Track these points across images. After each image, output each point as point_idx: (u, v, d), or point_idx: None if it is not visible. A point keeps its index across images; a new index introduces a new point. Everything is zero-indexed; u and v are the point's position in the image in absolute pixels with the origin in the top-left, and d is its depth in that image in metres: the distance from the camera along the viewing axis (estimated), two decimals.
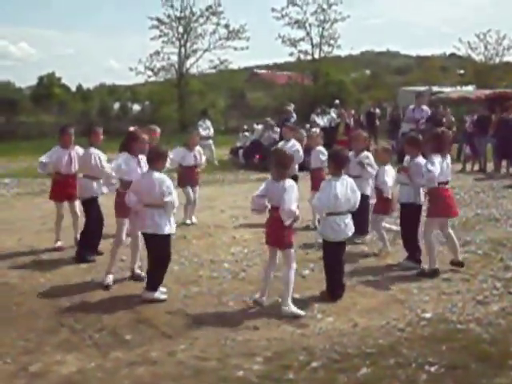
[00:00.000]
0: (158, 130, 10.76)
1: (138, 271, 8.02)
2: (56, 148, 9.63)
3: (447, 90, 33.37)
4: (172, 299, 7.16)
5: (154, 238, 7.09)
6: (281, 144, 11.67)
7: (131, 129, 9.06)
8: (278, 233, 6.72)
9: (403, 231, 8.53)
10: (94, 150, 9.04)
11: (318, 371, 5.16)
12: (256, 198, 6.87)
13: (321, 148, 10.83)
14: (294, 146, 11.21)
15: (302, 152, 11.38)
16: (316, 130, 12.46)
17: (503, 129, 18.16)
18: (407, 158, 8.48)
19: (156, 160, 7.22)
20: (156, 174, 7.13)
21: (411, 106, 18.40)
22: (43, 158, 9.62)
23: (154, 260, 7.20)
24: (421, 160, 8.20)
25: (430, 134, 8.33)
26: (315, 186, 9.83)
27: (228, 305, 6.97)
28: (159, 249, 7.16)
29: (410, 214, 8.34)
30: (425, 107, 18.04)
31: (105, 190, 9.11)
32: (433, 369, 5.12)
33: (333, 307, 6.80)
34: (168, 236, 7.20)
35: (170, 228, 7.16)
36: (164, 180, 7.12)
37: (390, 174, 9.02)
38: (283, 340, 5.90)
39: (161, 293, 7.21)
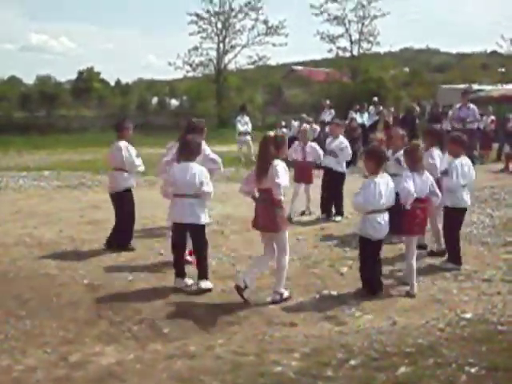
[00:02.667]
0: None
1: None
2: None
3: (488, 88, 32.87)
4: (210, 294, 7.20)
5: (192, 228, 7.27)
6: (329, 140, 11.67)
7: (192, 119, 9.17)
8: (271, 216, 6.83)
9: (445, 233, 8.41)
10: (124, 143, 9.11)
11: (356, 369, 5.12)
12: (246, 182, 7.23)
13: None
14: (342, 142, 11.30)
15: (350, 149, 11.48)
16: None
17: None
18: (450, 158, 8.34)
19: (195, 151, 7.41)
20: (195, 165, 7.29)
21: (457, 105, 18.12)
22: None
23: (195, 249, 7.41)
24: (458, 161, 8.06)
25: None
26: None
27: (265, 300, 6.96)
28: (198, 239, 7.37)
29: (451, 216, 8.20)
30: (472, 106, 17.74)
31: (135, 183, 9.25)
32: (473, 370, 5.04)
33: (371, 305, 6.76)
34: (204, 226, 7.38)
35: (206, 218, 7.35)
36: (202, 170, 7.30)
37: None
38: (321, 337, 5.88)
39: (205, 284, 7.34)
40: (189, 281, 7.39)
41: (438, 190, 7.63)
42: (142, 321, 6.37)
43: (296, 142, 12.24)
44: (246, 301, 6.88)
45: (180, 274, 7.41)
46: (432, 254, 8.79)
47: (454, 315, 6.39)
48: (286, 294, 7.01)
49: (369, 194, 6.93)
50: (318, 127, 20.10)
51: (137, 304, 6.86)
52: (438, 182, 7.96)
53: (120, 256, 8.81)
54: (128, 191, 9.17)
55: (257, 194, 7.11)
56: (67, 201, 13.64)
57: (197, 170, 7.26)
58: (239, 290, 6.89)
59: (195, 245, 7.44)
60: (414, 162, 7.49)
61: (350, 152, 11.48)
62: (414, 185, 7.25)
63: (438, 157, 8.49)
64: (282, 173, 6.78)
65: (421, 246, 8.68)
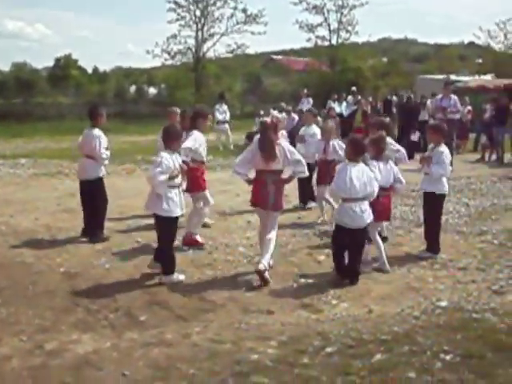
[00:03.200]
0: (179, 111, 10.70)
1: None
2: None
3: (465, 78, 33.08)
4: (187, 282, 7.19)
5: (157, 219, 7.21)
6: (302, 129, 11.65)
7: (198, 107, 9.24)
8: (280, 196, 7.42)
9: (425, 221, 8.47)
10: (97, 131, 9.02)
11: (332, 356, 5.15)
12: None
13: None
14: (313, 130, 11.30)
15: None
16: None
17: None
18: (431, 145, 8.40)
19: (176, 140, 7.35)
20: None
21: (439, 96, 18.20)
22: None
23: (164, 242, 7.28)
24: (443, 149, 8.14)
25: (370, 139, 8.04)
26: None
27: (242, 288, 6.98)
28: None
29: (431, 204, 8.28)
30: (453, 96, 17.82)
31: (104, 171, 9.23)
32: (448, 357, 5.09)
33: (348, 293, 6.80)
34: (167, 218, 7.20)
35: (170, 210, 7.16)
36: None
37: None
38: (298, 325, 5.91)
39: (178, 274, 7.26)
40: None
41: (402, 177, 8.03)
42: (119, 309, 6.36)
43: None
44: (266, 281, 7.07)
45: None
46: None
47: (430, 303, 6.44)
48: (268, 265, 7.28)
49: (340, 180, 7.04)
50: (296, 116, 20.07)
51: (113, 292, 6.84)
52: None
53: (97, 244, 8.76)
54: (99, 179, 9.08)
55: (251, 177, 7.55)
56: (44, 189, 13.55)
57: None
58: (261, 273, 7.06)
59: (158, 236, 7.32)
60: (379, 152, 7.84)
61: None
62: (379, 174, 7.58)
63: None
64: (294, 150, 7.58)
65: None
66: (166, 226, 7.19)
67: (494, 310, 6.21)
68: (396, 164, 8.49)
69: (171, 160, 7.08)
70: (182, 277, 7.24)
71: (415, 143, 19.67)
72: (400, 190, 8.31)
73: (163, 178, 6.93)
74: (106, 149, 9.03)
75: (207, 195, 9.00)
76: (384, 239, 8.65)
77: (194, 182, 8.76)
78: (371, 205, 7.32)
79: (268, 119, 7.53)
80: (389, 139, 8.76)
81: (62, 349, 5.38)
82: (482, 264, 7.85)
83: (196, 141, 8.69)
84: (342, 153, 9.50)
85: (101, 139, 8.96)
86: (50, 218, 10.51)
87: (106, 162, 9.13)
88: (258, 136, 7.52)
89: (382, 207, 7.71)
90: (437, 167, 8.03)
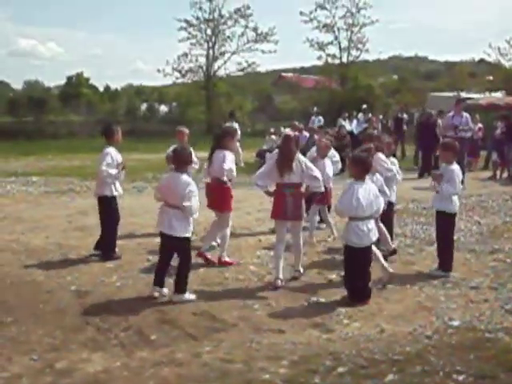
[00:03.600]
0: (187, 131, 10.72)
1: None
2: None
3: (476, 96, 33.06)
4: (197, 301, 7.16)
5: (172, 240, 7.16)
6: (313, 150, 11.62)
7: (227, 125, 9.36)
8: (299, 207, 7.77)
9: (437, 239, 8.43)
10: (111, 149, 9.03)
11: (344, 376, 5.12)
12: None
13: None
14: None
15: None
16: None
17: None
18: (443, 164, 8.37)
19: (186, 162, 7.33)
20: (183, 176, 7.16)
21: (450, 113, 18.17)
22: None
23: (179, 261, 7.27)
24: (454, 167, 8.11)
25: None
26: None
27: (253, 307, 6.94)
28: (179, 251, 7.28)
29: (443, 222, 8.24)
30: (465, 114, 17.78)
31: (121, 190, 9.19)
32: (461, 378, 5.04)
33: (359, 312, 6.75)
34: (187, 238, 7.24)
35: (186, 232, 7.19)
36: (189, 183, 7.12)
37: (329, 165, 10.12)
38: (309, 344, 5.87)
39: (189, 294, 7.24)
40: (165, 290, 7.33)
41: (386, 190, 8.35)
42: (129, 328, 6.33)
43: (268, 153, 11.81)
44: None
45: (158, 283, 7.32)
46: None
47: (442, 323, 6.40)
48: (302, 270, 8.19)
49: (345, 199, 7.02)
50: (307, 134, 20.08)
51: (124, 311, 6.82)
52: None
53: (108, 262, 8.76)
54: (109, 198, 9.06)
55: (270, 189, 8.04)
56: (55, 207, 13.59)
57: (184, 181, 7.10)
58: (297, 278, 8.04)
59: (180, 257, 7.30)
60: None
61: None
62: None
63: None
64: (313, 166, 7.87)
65: (392, 252, 8.93)
66: (183, 246, 7.21)
67: (507, 329, 6.17)
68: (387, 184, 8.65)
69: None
70: (193, 296, 7.21)
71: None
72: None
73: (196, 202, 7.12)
74: (117, 166, 8.98)
75: (230, 216, 9.07)
76: (394, 252, 8.85)
77: (227, 201, 8.89)
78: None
79: (290, 131, 7.96)
80: (382, 156, 8.86)
81: (72, 368, 5.36)
82: (495, 283, 7.79)
83: (232, 161, 8.87)
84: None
85: (106, 157, 8.90)
86: (60, 236, 10.53)
87: (109, 180, 8.96)
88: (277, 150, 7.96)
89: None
90: (447, 186, 8.00)
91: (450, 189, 8.00)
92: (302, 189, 7.86)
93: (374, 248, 7.60)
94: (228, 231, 8.94)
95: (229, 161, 8.71)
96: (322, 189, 8.04)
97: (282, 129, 22.28)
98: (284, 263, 7.93)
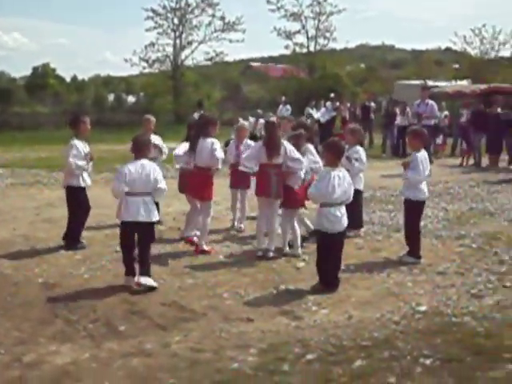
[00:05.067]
0: (153, 119, 10.67)
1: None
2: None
3: (442, 84, 33.31)
4: (166, 291, 7.14)
5: (144, 226, 7.20)
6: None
7: (206, 114, 9.46)
8: (281, 186, 8.40)
9: (405, 226, 8.51)
10: (76, 143, 8.96)
11: (312, 363, 5.15)
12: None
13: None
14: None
15: None
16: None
17: (492, 123, 18.28)
18: (411, 152, 8.45)
19: (146, 148, 7.46)
20: (147, 162, 7.31)
21: (417, 101, 18.30)
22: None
23: (144, 246, 7.31)
24: (420, 154, 8.17)
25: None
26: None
27: (223, 296, 6.95)
28: (148, 236, 7.36)
29: (414, 209, 8.31)
30: (430, 101, 17.90)
31: (89, 181, 9.17)
32: (428, 361, 5.11)
33: (327, 299, 6.80)
34: (154, 223, 7.44)
35: (157, 215, 7.50)
36: (155, 167, 7.33)
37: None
38: (278, 332, 5.89)
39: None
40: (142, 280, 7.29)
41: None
42: (98, 319, 6.30)
43: (231, 142, 11.31)
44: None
45: (130, 272, 7.32)
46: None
47: (409, 308, 6.47)
48: (272, 252, 8.54)
49: (322, 186, 7.04)
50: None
51: (93, 302, 6.78)
52: None
53: (76, 254, 8.70)
54: (76, 188, 9.01)
55: (255, 169, 8.66)
56: (22, 199, 13.43)
57: (150, 167, 7.26)
58: (268, 258, 8.42)
59: (144, 242, 7.33)
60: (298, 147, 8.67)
61: None
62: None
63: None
64: (294, 149, 8.45)
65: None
66: (151, 231, 7.35)
67: (472, 313, 6.26)
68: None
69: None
70: (156, 284, 7.21)
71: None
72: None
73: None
74: (84, 159, 8.93)
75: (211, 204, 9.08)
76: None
77: (210, 189, 8.90)
78: (288, 195, 8.42)
79: (274, 119, 8.97)
80: (310, 147, 9.20)
81: (41, 361, 5.32)
82: (461, 268, 7.90)
83: (221, 149, 8.97)
84: None
85: (72, 148, 8.86)
86: (28, 228, 10.42)
87: (77, 171, 8.94)
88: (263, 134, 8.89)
89: (296, 195, 8.51)
90: (412, 173, 8.08)
91: (415, 176, 8.07)
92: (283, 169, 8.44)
93: (297, 227, 8.63)
94: (209, 220, 8.94)
95: (219, 149, 8.79)
96: (303, 169, 8.51)
97: (250, 118, 22.31)
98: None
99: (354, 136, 9.60)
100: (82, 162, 8.84)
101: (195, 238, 9.14)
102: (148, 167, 7.22)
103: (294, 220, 8.72)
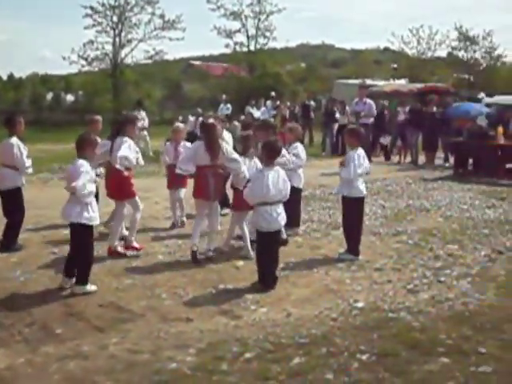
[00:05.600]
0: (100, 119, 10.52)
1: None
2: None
3: (381, 83, 33.79)
4: (104, 292, 7.06)
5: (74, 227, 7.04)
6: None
7: (126, 113, 9.25)
8: (220, 187, 8.50)
9: (343, 224, 8.61)
10: (15, 140, 8.81)
11: (251, 362, 5.16)
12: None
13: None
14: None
15: None
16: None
17: (428, 122, 18.67)
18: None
19: (87, 147, 7.23)
20: (79, 161, 7.07)
21: (355, 99, 18.51)
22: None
23: (77, 252, 7.11)
24: (353, 152, 8.29)
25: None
26: None
27: (161, 297, 6.91)
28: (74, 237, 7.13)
29: (347, 207, 8.42)
30: (368, 100, 18.12)
31: (24, 180, 9.03)
32: (364, 357, 5.18)
33: (266, 298, 6.82)
34: (81, 225, 7.01)
35: (80, 217, 6.98)
36: (82, 164, 7.03)
37: None
38: (216, 331, 5.89)
39: (90, 285, 7.11)
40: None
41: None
42: (34, 323, 6.18)
43: (168, 143, 11.17)
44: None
45: (68, 274, 7.19)
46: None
47: (347, 304, 6.54)
48: (213, 252, 8.43)
49: (256, 186, 7.10)
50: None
51: (29, 305, 6.65)
52: None
53: (11, 256, 8.52)
54: (17, 189, 8.87)
55: (192, 171, 8.45)
56: None
57: (79, 164, 7.02)
58: (210, 259, 8.30)
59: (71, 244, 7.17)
60: (246, 149, 8.72)
61: None
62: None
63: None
64: (232, 150, 8.55)
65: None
66: (86, 234, 7.07)
67: (408, 308, 6.38)
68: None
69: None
70: (94, 287, 7.09)
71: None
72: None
73: (91, 188, 7.00)
74: (28, 157, 8.82)
75: (138, 201, 8.89)
76: (285, 242, 8.82)
77: (127, 188, 8.69)
78: (237, 197, 8.40)
79: (212, 120, 8.72)
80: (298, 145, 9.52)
81: None
82: (398, 264, 8.03)
83: (130, 148, 8.67)
84: None
85: (21, 147, 8.77)
86: None
87: (30, 170, 8.93)
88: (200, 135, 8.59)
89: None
90: (343, 170, 8.19)
91: (345, 174, 8.17)
92: (221, 170, 8.35)
93: (246, 229, 8.52)
94: (139, 215, 8.86)
95: (125, 147, 8.54)
96: (243, 169, 8.31)
97: (190, 117, 22.25)
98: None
99: (292, 133, 9.72)
100: (29, 162, 8.75)
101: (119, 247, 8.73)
102: (77, 165, 7.01)
103: (242, 222, 8.63)
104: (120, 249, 8.64)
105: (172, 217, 10.59)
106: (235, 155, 8.38)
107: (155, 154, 21.20)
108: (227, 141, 9.69)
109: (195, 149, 8.45)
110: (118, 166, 8.46)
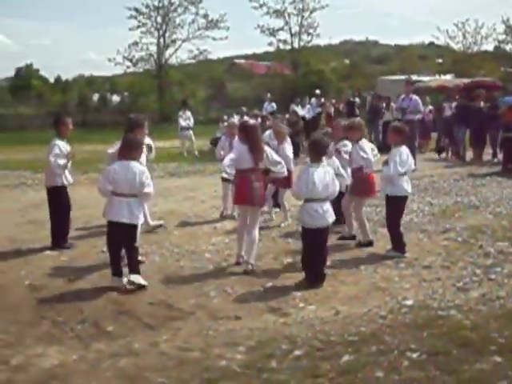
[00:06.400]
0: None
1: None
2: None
3: (426, 78, 33.45)
4: (154, 290, 7.14)
5: (126, 227, 7.17)
6: (266, 135, 11.67)
7: (130, 116, 9.16)
8: (264, 193, 8.14)
9: (387, 222, 8.56)
10: (58, 142, 8.96)
11: (300, 359, 5.16)
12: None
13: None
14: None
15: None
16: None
17: (475, 117, 18.38)
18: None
19: (135, 149, 7.32)
20: (135, 164, 7.18)
21: (401, 96, 18.34)
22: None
23: (127, 247, 7.32)
24: (396, 150, 8.22)
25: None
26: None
27: (210, 295, 6.96)
28: (131, 238, 7.30)
29: (392, 204, 8.36)
30: (414, 96, 17.92)
31: (66, 181, 9.11)
32: (414, 355, 5.13)
33: (314, 295, 6.82)
34: (137, 225, 7.37)
35: (142, 218, 7.45)
36: (143, 170, 7.21)
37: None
38: (265, 329, 5.91)
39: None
40: (125, 280, 7.27)
41: (343, 173, 8.69)
42: (85, 320, 6.28)
43: (223, 138, 11.71)
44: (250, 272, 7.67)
45: (116, 272, 7.30)
46: (360, 245, 8.93)
47: (396, 302, 6.49)
48: (253, 265, 7.77)
49: (301, 183, 7.13)
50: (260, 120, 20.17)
51: (79, 303, 6.77)
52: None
53: (62, 255, 8.68)
54: (57, 188, 9.03)
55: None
56: (6, 201, 13.37)
57: (137, 169, 7.15)
58: (248, 274, 7.65)
59: (128, 243, 7.31)
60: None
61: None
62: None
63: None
64: (273, 152, 8.17)
65: (350, 237, 9.16)
66: (132, 233, 7.29)
67: (458, 306, 6.28)
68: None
69: None
70: (145, 282, 7.20)
71: None
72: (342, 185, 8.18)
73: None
74: (67, 156, 8.93)
75: None
76: (351, 238, 8.99)
77: None
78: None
79: (252, 121, 8.71)
80: (363, 144, 9.02)
81: (28, 363, 5.29)
82: (447, 262, 7.93)
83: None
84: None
85: (54, 148, 8.88)
86: (13, 229, 10.37)
87: (58, 170, 8.94)
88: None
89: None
90: (386, 168, 8.12)
91: (388, 171, 8.09)
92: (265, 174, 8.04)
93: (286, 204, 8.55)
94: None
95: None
96: (286, 173, 8.22)
97: (235, 116, 22.29)
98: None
99: (339, 130, 9.63)
100: (63, 161, 8.85)
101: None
102: (135, 169, 7.12)
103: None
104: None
105: (222, 207, 10.85)
106: (278, 157, 8.10)
107: (200, 153, 21.37)
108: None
109: (239, 152, 7.86)
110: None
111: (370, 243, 8.86)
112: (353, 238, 9.16)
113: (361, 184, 8.83)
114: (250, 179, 7.76)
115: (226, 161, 7.93)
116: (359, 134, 9.03)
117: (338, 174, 8.01)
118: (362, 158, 8.81)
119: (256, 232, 7.88)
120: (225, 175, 8.49)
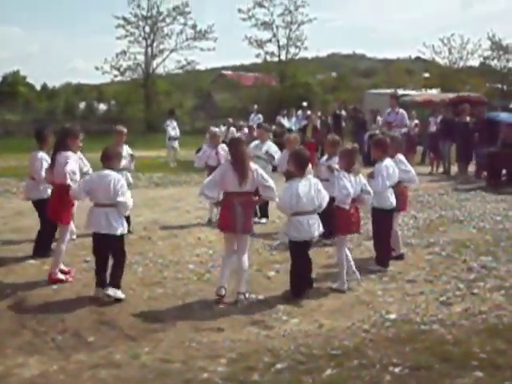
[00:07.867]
0: (125, 130, 10.71)
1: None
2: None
3: (412, 92, 33.63)
4: (136, 301, 7.09)
5: (108, 239, 7.10)
6: (254, 144, 11.68)
7: (69, 125, 9.10)
8: (249, 218, 7.24)
9: (374, 235, 8.56)
10: (41, 154, 8.94)
11: (282, 373, 5.14)
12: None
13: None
14: (271, 146, 11.44)
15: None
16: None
17: (461, 132, 18.48)
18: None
19: (114, 158, 7.34)
20: (111, 173, 7.16)
21: (388, 110, 18.40)
22: None
23: (113, 258, 7.25)
24: (378, 164, 8.24)
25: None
26: None
27: (192, 306, 6.93)
28: (114, 249, 7.22)
29: (376, 218, 8.38)
30: (401, 110, 17.98)
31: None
32: (397, 370, 5.13)
33: (298, 309, 6.80)
34: (122, 236, 7.25)
35: (123, 229, 7.21)
36: (119, 179, 7.16)
37: None
38: (248, 341, 5.88)
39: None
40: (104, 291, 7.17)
41: (369, 189, 7.81)
42: (67, 330, 6.22)
43: (205, 147, 11.84)
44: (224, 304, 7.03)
45: (101, 283, 7.22)
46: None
47: (379, 316, 6.50)
48: (247, 294, 7.17)
49: (285, 196, 7.06)
50: (246, 130, 20.21)
51: (61, 313, 6.70)
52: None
53: (44, 264, 8.59)
54: (43, 201, 8.90)
55: (220, 199, 7.36)
56: None
57: (112, 177, 7.08)
58: (221, 299, 7.08)
59: (115, 255, 7.24)
60: (350, 164, 7.71)
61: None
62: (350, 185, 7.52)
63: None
64: (265, 174, 7.28)
65: (398, 256, 8.85)
66: (114, 244, 7.20)
67: (441, 321, 6.31)
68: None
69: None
70: (122, 296, 7.13)
71: None
72: (368, 201, 7.90)
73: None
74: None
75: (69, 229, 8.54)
76: (400, 256, 8.79)
77: (68, 211, 8.16)
78: (342, 218, 7.44)
79: (239, 135, 7.85)
80: (401, 158, 8.92)
81: (7, 373, 5.24)
82: (430, 276, 7.96)
83: (76, 163, 8.22)
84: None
85: (41, 162, 8.83)
86: None
87: (45, 184, 8.82)
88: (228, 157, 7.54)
89: (354, 218, 7.59)
90: (372, 183, 8.09)
91: (374, 186, 8.06)
92: (253, 197, 7.31)
93: (344, 257, 7.54)
94: (64, 246, 8.07)
95: (72, 162, 8.01)
96: (276, 199, 7.28)
97: (222, 126, 22.32)
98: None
99: (333, 147, 9.49)
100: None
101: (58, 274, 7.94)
102: (110, 178, 7.05)
103: (343, 249, 7.64)
104: (60, 276, 7.94)
105: (209, 213, 10.99)
106: (270, 182, 7.20)
107: (186, 163, 21.31)
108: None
109: (223, 171, 7.21)
110: (68, 182, 7.81)
111: (400, 256, 8.80)
112: (401, 257, 8.84)
113: (401, 199, 8.63)
114: (233, 204, 7.06)
115: (205, 182, 7.44)
116: (393, 150, 8.68)
117: (363, 191, 7.69)
118: (403, 171, 8.73)
119: (245, 258, 7.25)
120: (203, 197, 7.66)
